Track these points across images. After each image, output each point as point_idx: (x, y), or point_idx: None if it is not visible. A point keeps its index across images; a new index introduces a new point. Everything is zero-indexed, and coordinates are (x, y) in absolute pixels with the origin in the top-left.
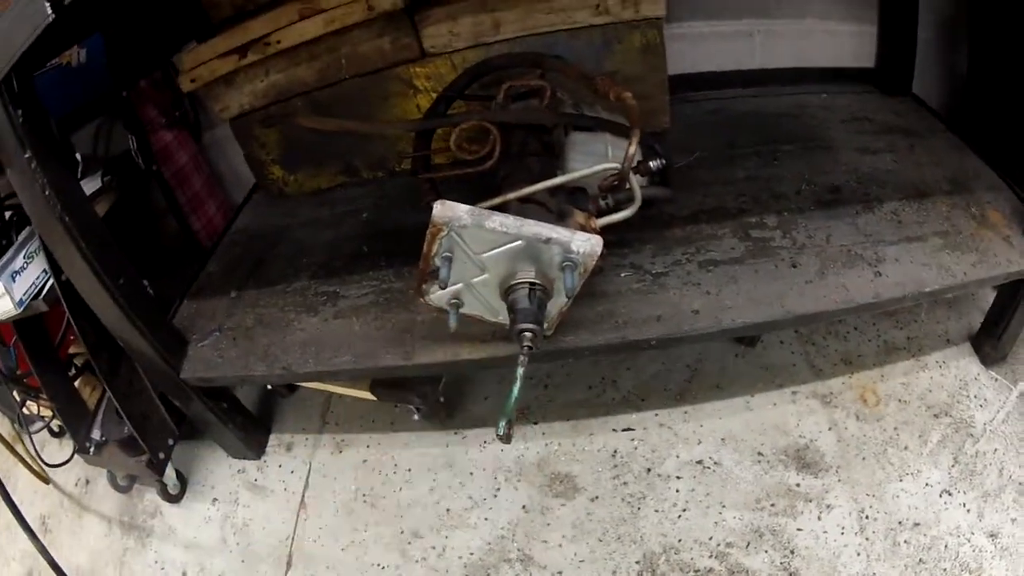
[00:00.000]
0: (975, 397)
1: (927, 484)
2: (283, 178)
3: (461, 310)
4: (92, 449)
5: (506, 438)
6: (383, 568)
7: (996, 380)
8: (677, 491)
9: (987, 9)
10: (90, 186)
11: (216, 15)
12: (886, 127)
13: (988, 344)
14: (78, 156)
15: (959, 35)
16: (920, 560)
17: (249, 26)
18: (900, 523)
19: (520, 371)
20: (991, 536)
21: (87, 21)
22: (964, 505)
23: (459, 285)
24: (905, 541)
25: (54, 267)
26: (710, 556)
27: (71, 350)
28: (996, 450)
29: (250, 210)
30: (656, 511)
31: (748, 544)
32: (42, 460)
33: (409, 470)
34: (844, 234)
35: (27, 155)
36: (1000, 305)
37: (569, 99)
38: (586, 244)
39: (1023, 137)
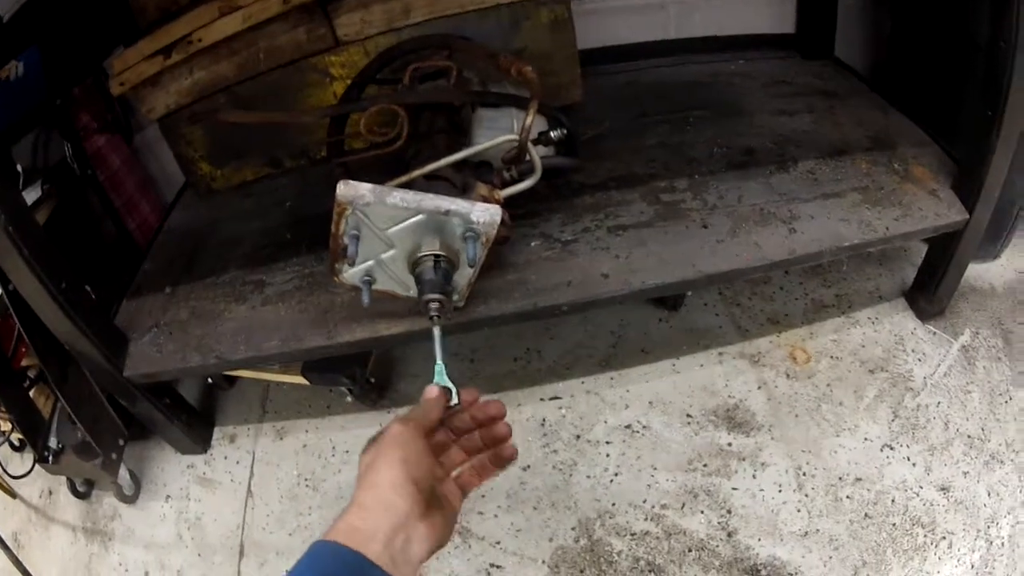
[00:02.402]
0: (912, 352)
1: (866, 439)
2: (211, 174)
3: (374, 286)
4: (51, 458)
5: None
6: None
7: (934, 334)
8: (608, 456)
9: None
10: (32, 195)
11: (143, 19)
12: (806, 89)
13: (923, 299)
14: (19, 168)
15: None
16: (866, 515)
17: (172, 27)
18: (840, 478)
19: (437, 341)
20: (942, 490)
21: (25, 35)
22: (909, 459)
23: (370, 262)
24: (847, 496)
25: (1, 277)
26: (646, 519)
27: (24, 362)
28: (939, 403)
29: (181, 208)
30: (588, 477)
31: (683, 505)
32: (7, 473)
33: (347, 452)
34: (757, 194)
35: None
36: (932, 258)
37: (476, 77)
38: (485, 214)
39: (947, 92)
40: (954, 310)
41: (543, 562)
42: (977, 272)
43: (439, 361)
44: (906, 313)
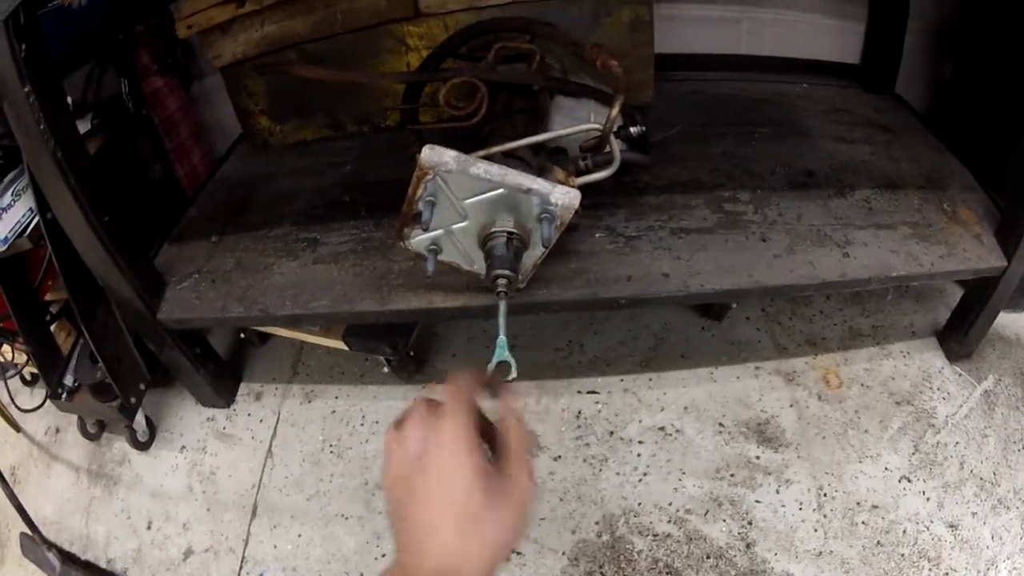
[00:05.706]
0: (938, 390)
1: (886, 468)
2: (269, 129)
3: (438, 256)
4: (64, 395)
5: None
6: (347, 519)
7: (960, 376)
8: (639, 455)
9: (978, 17)
10: (81, 127)
11: None
12: (865, 121)
13: (954, 340)
14: (68, 100)
15: (945, 42)
16: (878, 542)
17: None
18: (858, 503)
19: (502, 317)
20: (951, 527)
21: None
22: (924, 493)
23: (439, 231)
24: (863, 522)
25: (41, 204)
26: (669, 521)
27: (48, 296)
28: (957, 443)
29: (234, 159)
30: (617, 474)
31: (707, 512)
32: (16, 405)
33: (376, 422)
34: (815, 215)
35: (26, 89)
36: (967, 302)
37: (556, 65)
38: (564, 197)
39: (999, 143)
40: (981, 355)
41: (563, 553)
42: (1006, 321)
43: (502, 336)
44: (936, 352)
